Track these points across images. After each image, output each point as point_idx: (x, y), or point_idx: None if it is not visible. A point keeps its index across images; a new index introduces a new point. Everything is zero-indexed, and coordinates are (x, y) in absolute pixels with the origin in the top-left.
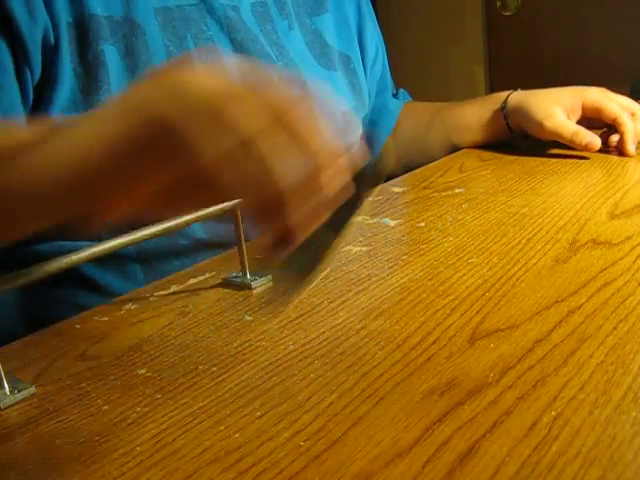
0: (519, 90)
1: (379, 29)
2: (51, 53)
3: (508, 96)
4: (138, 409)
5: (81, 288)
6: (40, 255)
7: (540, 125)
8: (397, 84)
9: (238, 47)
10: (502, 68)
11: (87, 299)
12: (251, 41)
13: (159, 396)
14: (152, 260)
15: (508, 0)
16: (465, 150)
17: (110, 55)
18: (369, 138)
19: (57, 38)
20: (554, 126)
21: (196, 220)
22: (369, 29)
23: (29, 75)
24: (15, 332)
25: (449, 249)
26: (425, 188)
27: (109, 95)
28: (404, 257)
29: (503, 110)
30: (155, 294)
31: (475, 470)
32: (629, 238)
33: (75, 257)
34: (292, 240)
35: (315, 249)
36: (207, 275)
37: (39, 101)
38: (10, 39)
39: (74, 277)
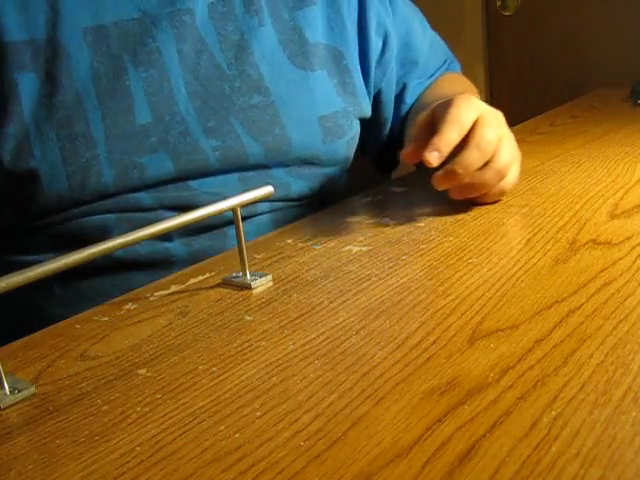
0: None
1: (398, 10)
2: None
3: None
4: (138, 409)
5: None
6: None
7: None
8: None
9: (184, 58)
10: (502, 68)
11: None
12: (199, 50)
13: (159, 396)
14: (71, 278)
15: (508, 0)
16: None
17: (26, 84)
18: None
19: None
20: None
21: (196, 220)
22: (375, 19)
23: None
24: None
25: (449, 249)
26: (425, 188)
27: (20, 127)
28: (404, 257)
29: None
30: (155, 294)
31: (475, 470)
32: (629, 238)
33: (70, 259)
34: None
35: None
36: (207, 275)
37: None
38: None
39: None
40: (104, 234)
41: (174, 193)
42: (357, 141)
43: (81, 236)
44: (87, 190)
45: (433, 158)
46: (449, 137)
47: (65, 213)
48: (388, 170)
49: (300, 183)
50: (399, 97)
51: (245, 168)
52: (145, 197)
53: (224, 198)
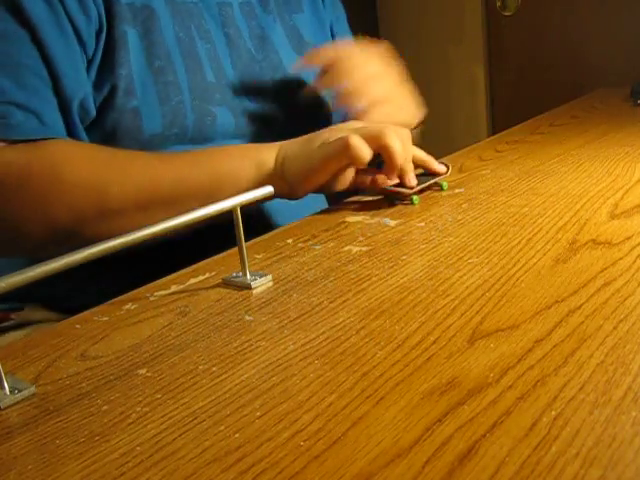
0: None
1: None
2: (96, 41)
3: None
4: (138, 409)
5: None
6: None
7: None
8: None
9: (228, 40)
10: (502, 68)
11: None
12: (237, 36)
13: (159, 396)
14: None
15: (508, 0)
16: (465, 150)
17: (131, 36)
18: None
19: (101, 26)
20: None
21: (196, 220)
22: (340, 31)
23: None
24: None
25: (449, 249)
26: (425, 188)
27: (128, 71)
28: (404, 257)
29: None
30: (155, 294)
31: (475, 470)
32: (629, 238)
33: (71, 259)
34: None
35: None
36: (207, 275)
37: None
38: (77, 39)
39: None
40: None
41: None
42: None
43: None
44: (174, 128)
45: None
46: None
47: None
48: None
49: None
50: None
51: (276, 132)
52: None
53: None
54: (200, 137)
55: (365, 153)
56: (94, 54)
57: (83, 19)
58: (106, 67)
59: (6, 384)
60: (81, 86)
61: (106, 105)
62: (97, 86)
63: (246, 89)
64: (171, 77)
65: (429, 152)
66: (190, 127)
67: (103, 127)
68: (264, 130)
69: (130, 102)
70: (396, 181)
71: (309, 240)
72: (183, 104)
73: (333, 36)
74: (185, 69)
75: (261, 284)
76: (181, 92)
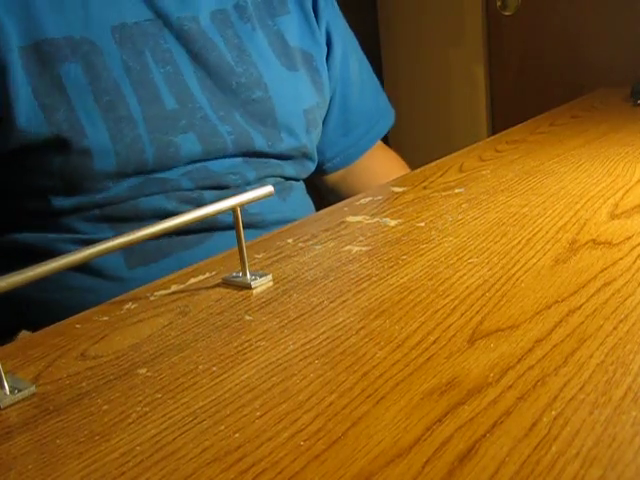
0: None
1: (350, 33)
2: (2, 77)
3: None
4: (138, 409)
5: None
6: (27, 246)
7: None
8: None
9: (194, 57)
10: (502, 68)
11: None
12: (209, 49)
13: (159, 396)
14: None
15: (508, 0)
16: (465, 150)
17: (70, 74)
18: None
19: (8, 63)
20: None
21: (196, 220)
22: (337, 32)
23: None
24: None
25: (449, 249)
26: (425, 188)
27: (71, 114)
28: (404, 257)
29: None
30: (155, 294)
31: (475, 470)
32: (629, 238)
33: (71, 259)
34: None
35: None
36: (207, 275)
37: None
38: None
39: None
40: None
41: (204, 174)
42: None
43: (136, 217)
44: (130, 166)
45: None
46: None
47: (116, 194)
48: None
49: (290, 166)
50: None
51: (250, 154)
52: (182, 179)
53: (226, 197)
54: (162, 166)
55: None
56: (17, 96)
57: None
58: (40, 112)
59: (6, 384)
60: None
61: (49, 150)
62: (34, 132)
63: (217, 109)
64: (123, 111)
65: (429, 152)
66: (150, 160)
67: (49, 167)
68: (234, 151)
69: (80, 142)
70: None
71: (309, 240)
72: (140, 138)
73: (329, 37)
74: (138, 100)
75: (261, 284)
76: (136, 126)
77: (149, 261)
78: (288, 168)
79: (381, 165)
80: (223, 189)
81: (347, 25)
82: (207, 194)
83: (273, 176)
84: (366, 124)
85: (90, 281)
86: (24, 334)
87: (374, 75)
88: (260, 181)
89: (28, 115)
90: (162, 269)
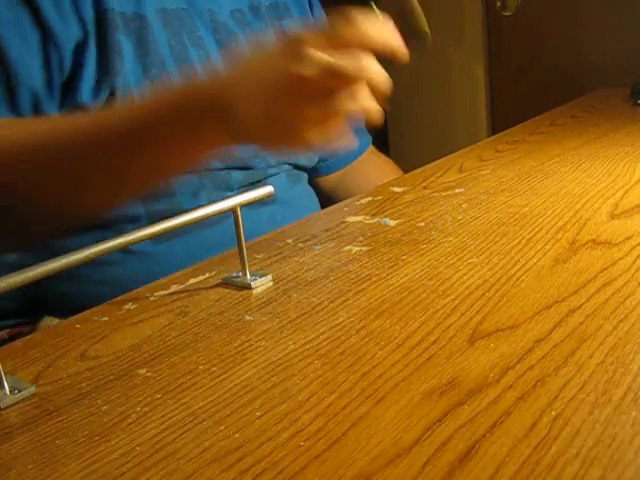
0: None
1: None
2: (80, 47)
3: None
4: (138, 409)
5: None
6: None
7: None
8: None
9: (221, 45)
10: (502, 68)
11: None
12: (232, 40)
13: (159, 396)
14: None
15: (508, 0)
16: (465, 150)
17: (125, 44)
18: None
19: (86, 33)
20: None
21: (196, 220)
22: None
23: (58, 71)
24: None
25: (449, 249)
26: (425, 188)
27: (124, 80)
28: (404, 257)
29: None
30: (155, 294)
31: (475, 470)
32: (629, 238)
33: (71, 259)
34: None
35: None
36: (207, 275)
37: (66, 90)
38: (44, 38)
39: None
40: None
41: (232, 156)
42: None
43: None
44: None
45: None
46: None
47: None
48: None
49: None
50: None
51: None
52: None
53: (226, 197)
54: None
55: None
56: (85, 60)
57: (59, 23)
58: (102, 74)
59: (6, 384)
60: (33, 80)
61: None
62: (95, 92)
63: None
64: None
65: (429, 152)
66: None
67: None
68: None
69: None
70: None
71: (309, 240)
72: None
73: None
74: (179, 75)
75: (261, 284)
76: None
77: (173, 236)
78: (301, 157)
79: (377, 169)
80: (249, 169)
81: None
82: (235, 174)
83: (288, 163)
84: (360, 126)
85: (118, 255)
86: (46, 320)
87: None
88: (278, 166)
89: (91, 82)
90: (185, 245)
